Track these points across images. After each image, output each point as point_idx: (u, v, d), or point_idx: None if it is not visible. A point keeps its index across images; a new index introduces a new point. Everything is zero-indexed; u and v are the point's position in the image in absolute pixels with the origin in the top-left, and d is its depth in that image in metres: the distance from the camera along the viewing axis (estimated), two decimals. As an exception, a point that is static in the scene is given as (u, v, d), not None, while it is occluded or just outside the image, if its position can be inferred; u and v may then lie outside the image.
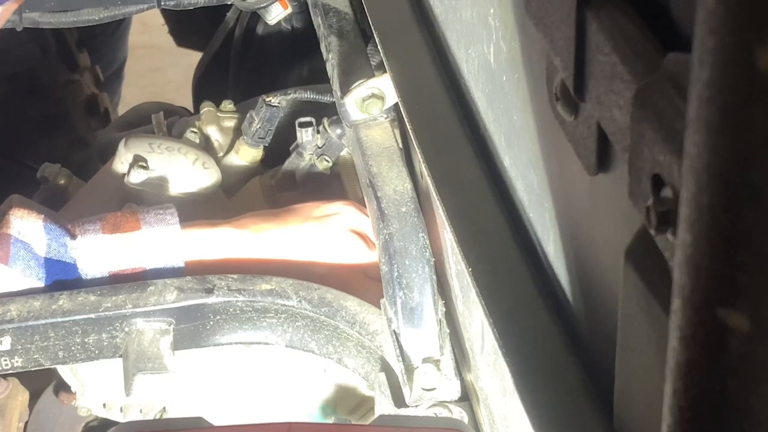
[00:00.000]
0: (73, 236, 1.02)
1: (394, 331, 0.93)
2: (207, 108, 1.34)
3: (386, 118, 1.06)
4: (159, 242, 1.03)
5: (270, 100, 1.27)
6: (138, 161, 1.21)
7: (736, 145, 0.31)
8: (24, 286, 1.00)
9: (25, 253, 1.00)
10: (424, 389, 0.91)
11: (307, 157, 1.24)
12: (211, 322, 1.01)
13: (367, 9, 1.02)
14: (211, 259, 1.05)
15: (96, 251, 1.02)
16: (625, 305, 0.48)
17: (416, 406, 0.90)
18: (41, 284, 1.00)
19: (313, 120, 1.24)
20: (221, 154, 1.32)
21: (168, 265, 1.03)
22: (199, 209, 1.18)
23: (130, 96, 2.17)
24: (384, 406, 0.92)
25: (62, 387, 1.21)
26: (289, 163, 1.27)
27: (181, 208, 1.08)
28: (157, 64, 3.01)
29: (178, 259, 1.03)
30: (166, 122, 1.33)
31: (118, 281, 1.01)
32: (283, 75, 1.62)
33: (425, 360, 0.92)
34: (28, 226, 1.01)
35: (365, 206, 1.09)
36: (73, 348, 1.00)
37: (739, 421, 0.34)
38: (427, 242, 0.94)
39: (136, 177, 1.20)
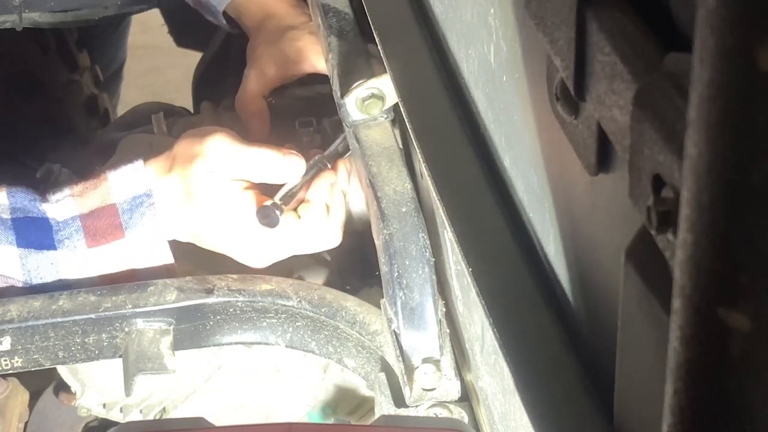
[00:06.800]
0: (42, 193, 1.05)
1: (394, 331, 0.93)
2: (207, 108, 1.34)
3: (386, 118, 1.06)
4: (125, 177, 1.05)
5: (270, 100, 1.27)
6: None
7: (737, 145, 0.31)
8: None
9: None
10: (424, 389, 0.91)
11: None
12: (211, 322, 1.01)
13: (367, 9, 1.02)
14: (179, 189, 1.06)
15: (64, 198, 1.04)
16: (625, 305, 0.48)
17: (416, 406, 0.90)
18: (14, 247, 1.02)
19: (314, 120, 1.24)
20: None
21: (137, 195, 1.04)
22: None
23: (130, 96, 2.16)
24: (384, 406, 0.92)
25: (62, 387, 1.21)
26: None
27: None
28: (157, 64, 3.01)
29: (145, 187, 1.05)
30: (166, 122, 1.33)
31: (91, 224, 1.03)
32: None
33: (425, 360, 0.92)
34: None
35: None
36: (73, 348, 1.00)
37: (739, 421, 0.34)
38: (427, 242, 0.94)
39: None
